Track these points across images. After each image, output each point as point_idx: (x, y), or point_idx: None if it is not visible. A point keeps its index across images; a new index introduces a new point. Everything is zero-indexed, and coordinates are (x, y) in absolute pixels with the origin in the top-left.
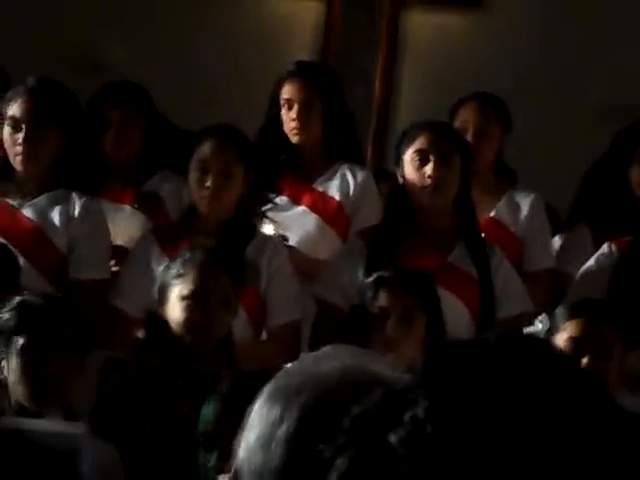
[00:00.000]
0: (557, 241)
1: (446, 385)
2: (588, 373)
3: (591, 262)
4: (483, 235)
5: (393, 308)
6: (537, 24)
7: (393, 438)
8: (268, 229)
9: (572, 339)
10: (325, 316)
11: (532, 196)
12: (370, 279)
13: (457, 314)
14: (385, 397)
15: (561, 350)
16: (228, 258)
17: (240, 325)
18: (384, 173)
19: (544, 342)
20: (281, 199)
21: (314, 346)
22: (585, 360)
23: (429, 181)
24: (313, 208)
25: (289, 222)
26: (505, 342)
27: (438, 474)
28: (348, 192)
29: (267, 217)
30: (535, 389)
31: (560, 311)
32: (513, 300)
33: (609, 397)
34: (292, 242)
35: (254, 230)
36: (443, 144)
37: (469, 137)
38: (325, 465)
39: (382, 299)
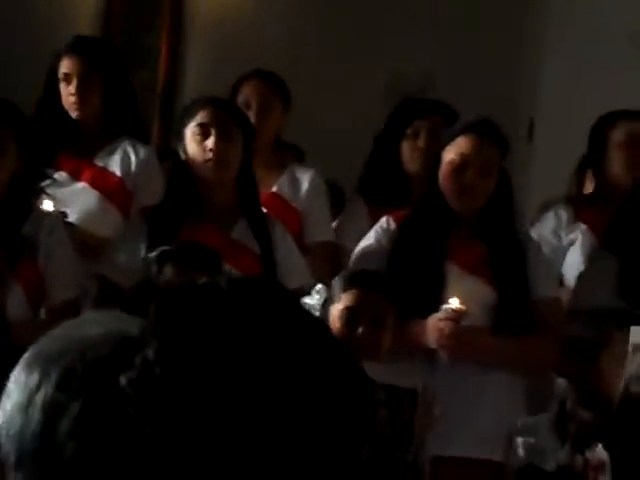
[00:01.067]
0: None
1: (176, 327)
2: (315, 318)
3: (369, 235)
4: (265, 210)
5: (180, 282)
6: (318, 5)
7: (123, 380)
8: (47, 205)
9: (347, 309)
10: (106, 294)
11: (311, 171)
12: (154, 253)
13: None
14: (119, 342)
15: (291, 294)
16: (2, 235)
17: (17, 303)
18: (170, 152)
19: (276, 286)
20: (60, 175)
21: None
22: (360, 329)
23: (211, 155)
24: (93, 184)
25: (69, 198)
26: (236, 285)
27: (163, 415)
28: (130, 168)
29: (46, 193)
30: (261, 331)
31: (336, 282)
32: (294, 274)
33: (334, 340)
34: (72, 219)
35: (30, 206)
36: (224, 119)
37: (251, 113)
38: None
39: (168, 273)
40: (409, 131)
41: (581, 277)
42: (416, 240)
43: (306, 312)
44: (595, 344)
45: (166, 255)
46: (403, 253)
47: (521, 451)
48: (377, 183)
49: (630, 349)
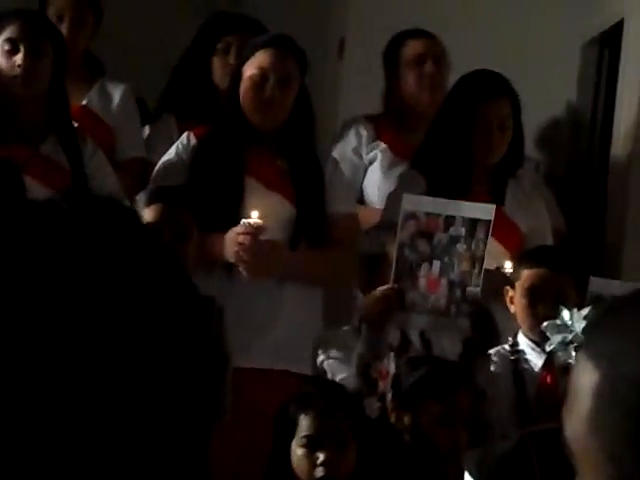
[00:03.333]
0: (147, 131)
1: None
2: (151, 231)
3: (171, 150)
4: (75, 124)
5: None
6: None
7: None
8: None
9: (150, 224)
10: None
11: (122, 86)
12: None
13: None
14: None
15: (129, 209)
16: None
17: None
18: None
19: (115, 203)
20: None
21: None
22: None
23: (19, 70)
24: None
25: None
26: (82, 204)
27: None
28: None
29: None
30: (100, 244)
31: (140, 197)
32: (105, 190)
33: (169, 252)
34: None
35: None
36: (34, 33)
37: (64, 26)
38: None
39: None
40: (219, 46)
41: (391, 195)
42: (215, 155)
43: (142, 226)
44: (379, 257)
45: None
46: (202, 168)
47: (327, 367)
48: (187, 99)
49: (401, 216)
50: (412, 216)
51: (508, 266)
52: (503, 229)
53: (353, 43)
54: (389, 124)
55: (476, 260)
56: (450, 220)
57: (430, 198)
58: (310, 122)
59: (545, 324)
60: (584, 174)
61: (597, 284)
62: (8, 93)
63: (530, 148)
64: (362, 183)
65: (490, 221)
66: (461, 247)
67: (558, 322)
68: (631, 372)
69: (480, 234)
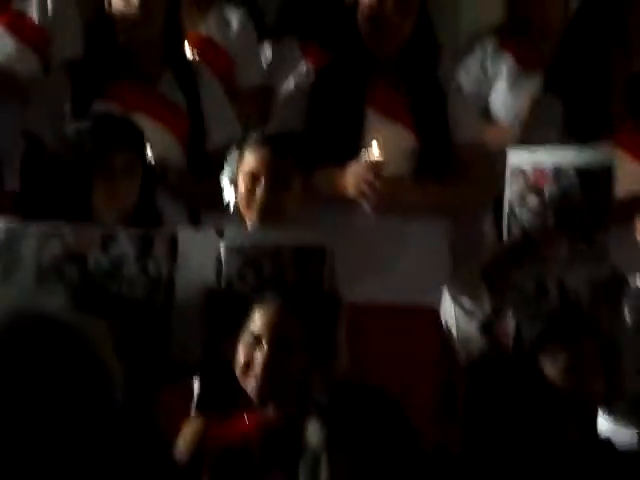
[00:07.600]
0: (265, 48)
1: None
2: None
3: (290, 83)
4: (193, 52)
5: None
6: None
7: None
8: None
9: (249, 173)
10: (32, 150)
11: (240, 10)
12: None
13: (166, 145)
14: None
15: None
16: None
17: None
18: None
19: None
20: None
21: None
22: (258, 191)
23: (135, 8)
24: (10, 29)
25: None
26: None
27: None
28: (46, 12)
29: None
30: None
31: (247, 143)
32: (221, 125)
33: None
34: None
35: None
36: None
37: None
38: None
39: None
40: None
41: (528, 118)
42: (335, 87)
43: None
44: None
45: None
46: (322, 100)
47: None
48: (310, 18)
49: (508, 172)
50: (520, 171)
51: None
52: None
53: None
54: (513, 34)
55: None
56: (559, 171)
57: (536, 147)
58: (431, 47)
59: None
60: None
61: None
62: (124, 31)
63: None
64: (488, 98)
65: None
66: None
67: None
68: None
69: None
